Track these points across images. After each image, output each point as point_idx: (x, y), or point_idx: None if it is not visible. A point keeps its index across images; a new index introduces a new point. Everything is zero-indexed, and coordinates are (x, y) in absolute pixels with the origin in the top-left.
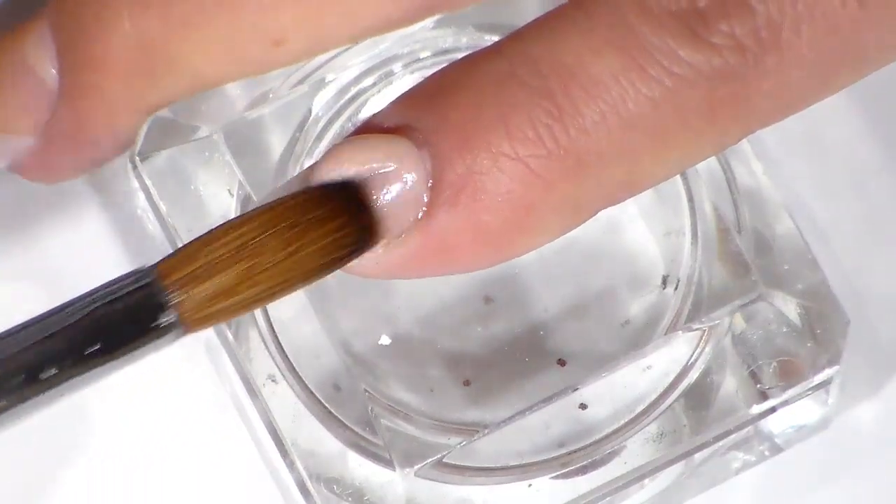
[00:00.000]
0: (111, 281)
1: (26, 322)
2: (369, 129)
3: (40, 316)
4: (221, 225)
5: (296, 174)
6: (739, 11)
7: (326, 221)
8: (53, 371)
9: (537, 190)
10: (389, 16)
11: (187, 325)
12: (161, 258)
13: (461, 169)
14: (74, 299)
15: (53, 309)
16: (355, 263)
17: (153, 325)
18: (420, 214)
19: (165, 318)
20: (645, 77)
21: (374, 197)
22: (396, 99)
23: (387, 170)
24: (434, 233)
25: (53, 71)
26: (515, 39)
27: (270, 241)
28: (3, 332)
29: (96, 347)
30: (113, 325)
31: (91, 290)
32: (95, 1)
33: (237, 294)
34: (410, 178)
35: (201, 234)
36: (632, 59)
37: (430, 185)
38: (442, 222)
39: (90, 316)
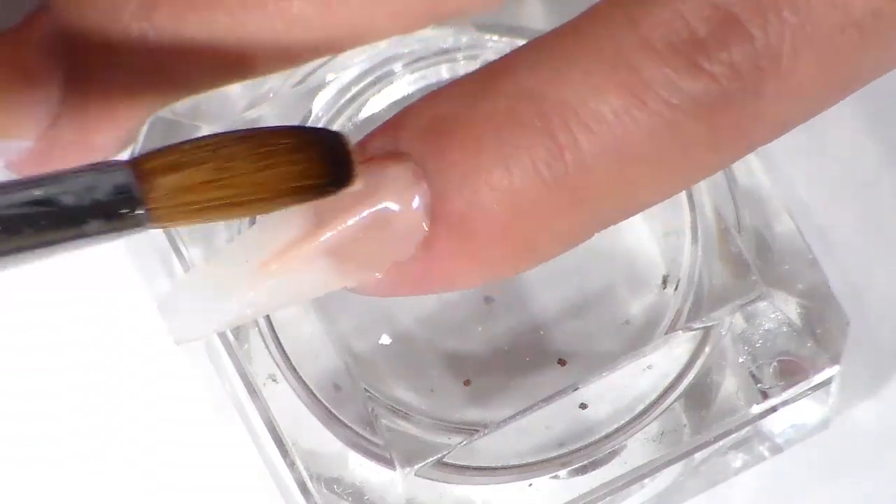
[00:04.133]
0: (87, 166)
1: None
2: (364, 151)
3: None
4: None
5: None
6: (739, 40)
7: (298, 150)
8: (28, 231)
9: (535, 225)
10: (397, 30)
11: (156, 215)
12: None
13: (460, 205)
14: (53, 174)
15: (38, 177)
16: (356, 284)
17: (123, 211)
18: (420, 241)
19: (135, 208)
20: (646, 112)
21: (351, 149)
22: (390, 122)
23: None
24: (433, 261)
25: (57, 77)
26: (513, 74)
27: (242, 152)
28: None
29: (69, 221)
30: (85, 205)
31: (68, 170)
32: (102, 16)
33: (206, 192)
34: (410, 209)
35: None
36: (633, 94)
37: (430, 214)
38: (441, 253)
39: (66, 187)
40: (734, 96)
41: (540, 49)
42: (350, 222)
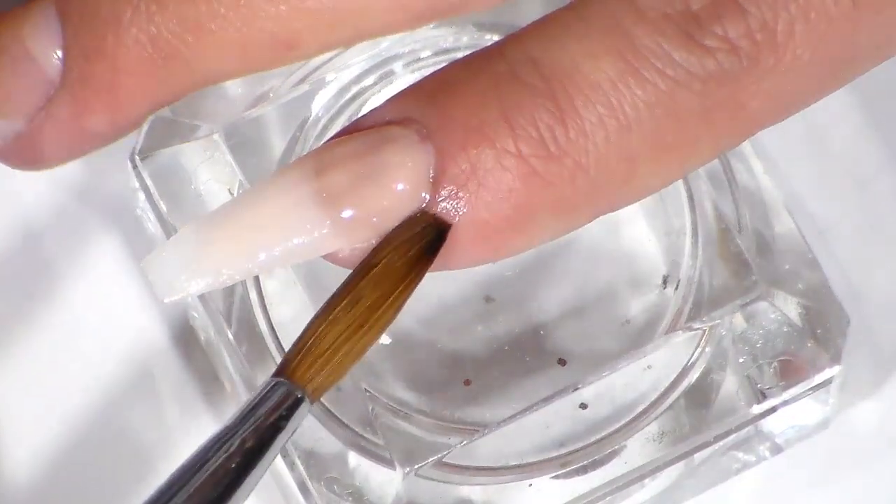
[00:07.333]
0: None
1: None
2: (370, 122)
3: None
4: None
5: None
6: (733, 14)
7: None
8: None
9: (538, 189)
10: (398, 22)
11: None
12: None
13: (465, 164)
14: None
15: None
16: (347, 255)
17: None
18: (419, 210)
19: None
20: (640, 80)
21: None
22: (396, 95)
23: (390, 163)
24: None
25: (54, 58)
26: (515, 42)
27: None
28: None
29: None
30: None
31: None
32: None
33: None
34: (413, 171)
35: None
36: (627, 62)
37: (431, 179)
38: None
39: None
40: (729, 70)
41: (541, 21)
42: (349, 171)
